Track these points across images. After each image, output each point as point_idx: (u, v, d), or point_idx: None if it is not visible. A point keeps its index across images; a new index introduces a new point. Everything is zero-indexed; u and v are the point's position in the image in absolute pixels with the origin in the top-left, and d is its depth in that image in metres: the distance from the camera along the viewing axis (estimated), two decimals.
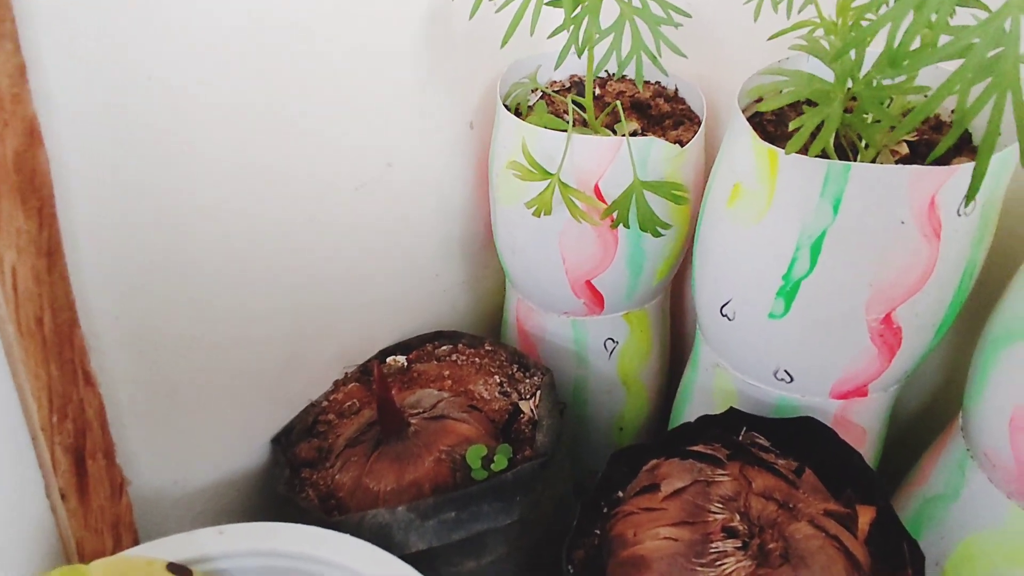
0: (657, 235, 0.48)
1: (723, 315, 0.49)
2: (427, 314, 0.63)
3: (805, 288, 0.43)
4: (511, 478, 0.46)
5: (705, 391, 0.55)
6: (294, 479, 0.50)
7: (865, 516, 0.40)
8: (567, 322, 0.60)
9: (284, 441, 0.53)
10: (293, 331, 0.53)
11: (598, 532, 0.44)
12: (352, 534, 0.44)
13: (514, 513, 0.46)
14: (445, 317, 0.64)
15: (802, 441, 0.46)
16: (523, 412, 0.54)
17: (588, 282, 0.56)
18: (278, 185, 0.47)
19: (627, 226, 0.48)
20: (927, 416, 0.60)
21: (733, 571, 0.37)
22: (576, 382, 0.63)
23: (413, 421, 0.50)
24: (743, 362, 0.50)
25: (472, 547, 0.46)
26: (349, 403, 0.56)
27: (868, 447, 0.52)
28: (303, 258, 0.51)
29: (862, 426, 0.50)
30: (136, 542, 0.43)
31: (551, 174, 0.47)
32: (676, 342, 0.70)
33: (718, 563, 0.38)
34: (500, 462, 0.47)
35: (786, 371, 0.47)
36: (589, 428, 0.66)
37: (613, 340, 0.61)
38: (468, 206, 0.61)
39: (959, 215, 0.40)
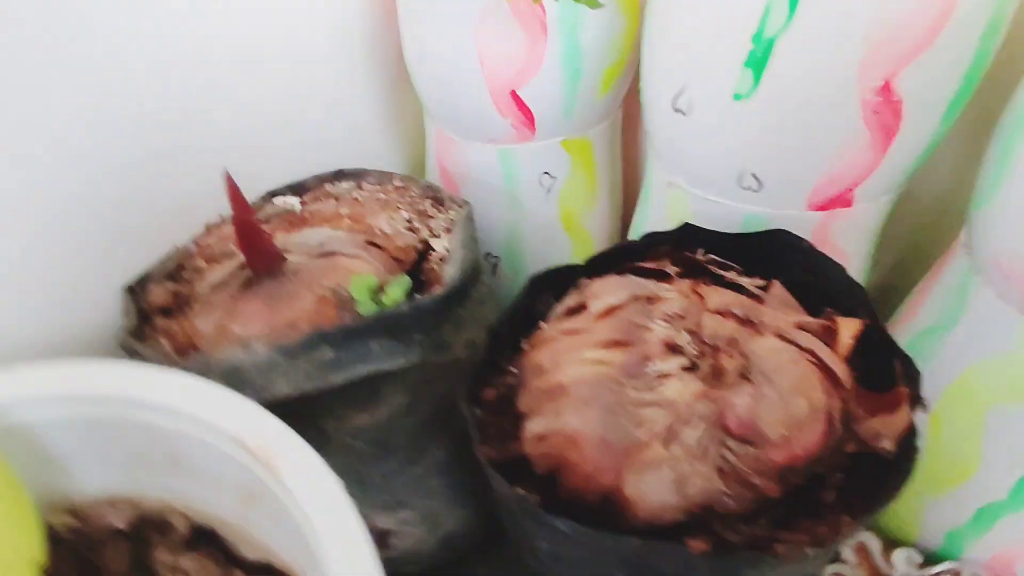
0: (594, 5, 0.38)
1: (677, 110, 0.39)
2: (336, 160, 0.52)
3: (780, 49, 0.33)
4: (407, 311, 0.36)
5: (657, 220, 0.46)
6: (143, 328, 0.40)
7: (848, 329, 0.31)
8: (493, 152, 0.49)
9: (139, 289, 0.43)
10: (142, 163, 0.42)
11: (515, 370, 0.35)
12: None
13: (413, 355, 0.36)
14: (358, 163, 0.53)
15: (771, 259, 0.36)
16: (434, 250, 0.44)
17: (513, 92, 0.45)
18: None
19: None
20: (917, 252, 0.51)
21: (675, 392, 0.29)
22: (509, 228, 0.53)
23: (294, 258, 0.40)
24: (701, 171, 0.40)
25: (361, 395, 0.36)
26: (223, 247, 0.45)
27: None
28: (160, 80, 0.40)
29: (844, 249, 0.41)
30: None
31: None
32: (634, 189, 0.60)
33: (656, 385, 0.29)
34: (394, 294, 0.37)
35: (754, 175, 0.38)
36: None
37: (550, 175, 0.51)
38: (365, 5, 0.49)
39: None
